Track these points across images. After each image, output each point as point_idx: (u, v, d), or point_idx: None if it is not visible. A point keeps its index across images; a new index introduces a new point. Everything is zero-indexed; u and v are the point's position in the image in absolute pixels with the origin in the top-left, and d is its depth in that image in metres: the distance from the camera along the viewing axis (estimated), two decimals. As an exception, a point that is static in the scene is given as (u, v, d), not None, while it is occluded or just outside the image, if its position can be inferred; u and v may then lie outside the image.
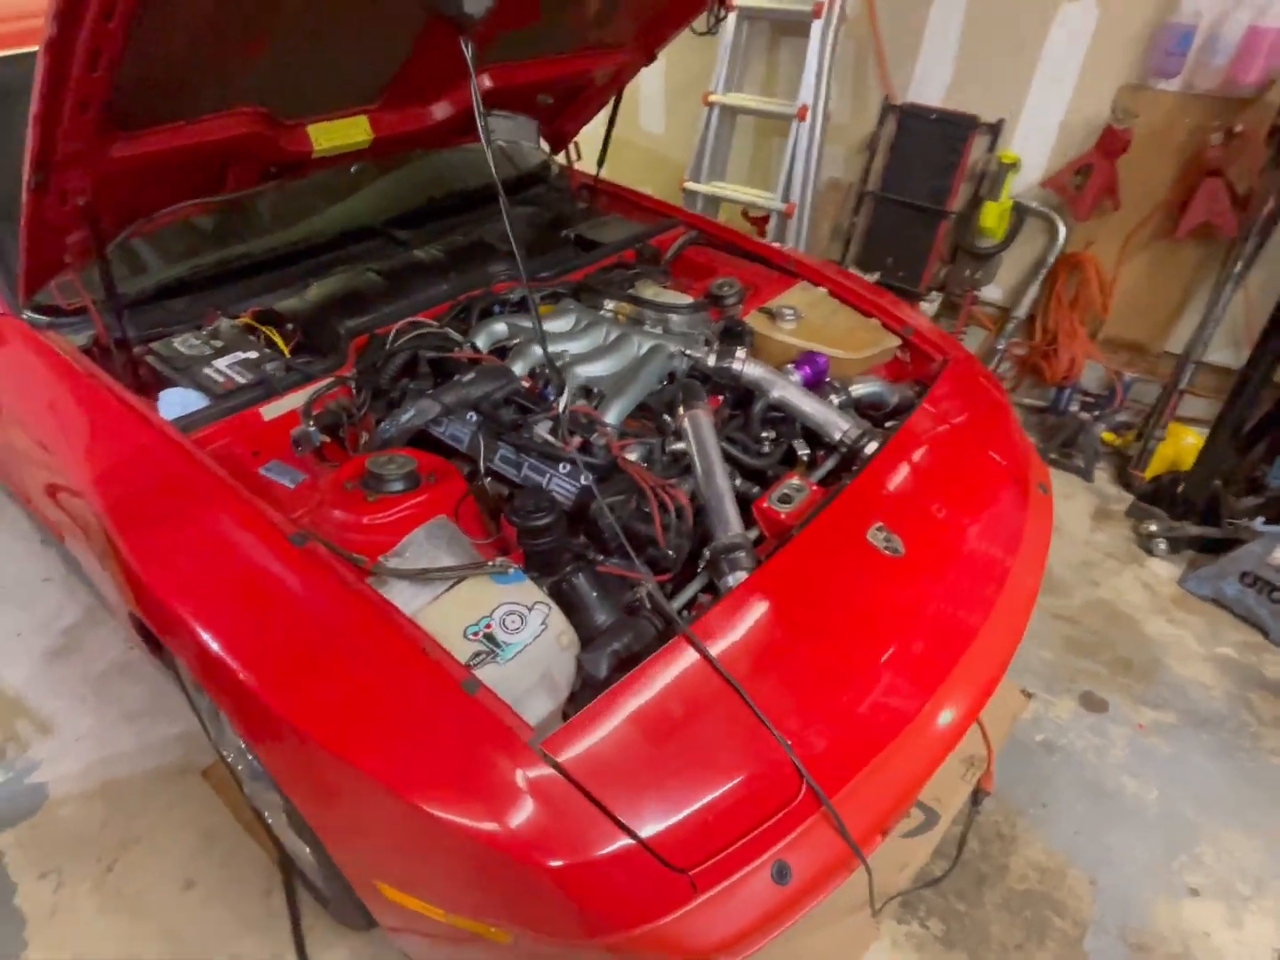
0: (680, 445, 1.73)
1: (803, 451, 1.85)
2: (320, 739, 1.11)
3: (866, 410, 2.03)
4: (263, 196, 2.06)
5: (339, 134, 1.76)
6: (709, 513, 1.55)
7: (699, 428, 1.69)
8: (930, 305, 3.64)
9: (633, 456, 1.68)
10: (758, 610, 1.37)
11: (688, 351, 1.91)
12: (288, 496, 1.46)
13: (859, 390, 1.99)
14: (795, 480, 1.65)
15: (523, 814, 1.06)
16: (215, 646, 1.19)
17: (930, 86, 3.42)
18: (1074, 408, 3.34)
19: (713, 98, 3.49)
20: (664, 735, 1.18)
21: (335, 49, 1.58)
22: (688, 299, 2.10)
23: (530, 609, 1.31)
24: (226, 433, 1.56)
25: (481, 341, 1.90)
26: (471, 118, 2.00)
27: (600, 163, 2.58)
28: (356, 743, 1.11)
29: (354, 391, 1.74)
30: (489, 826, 1.05)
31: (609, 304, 2.07)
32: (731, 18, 3.39)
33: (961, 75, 3.35)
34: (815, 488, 1.64)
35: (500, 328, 1.93)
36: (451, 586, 1.33)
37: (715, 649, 1.28)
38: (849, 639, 1.38)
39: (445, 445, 1.68)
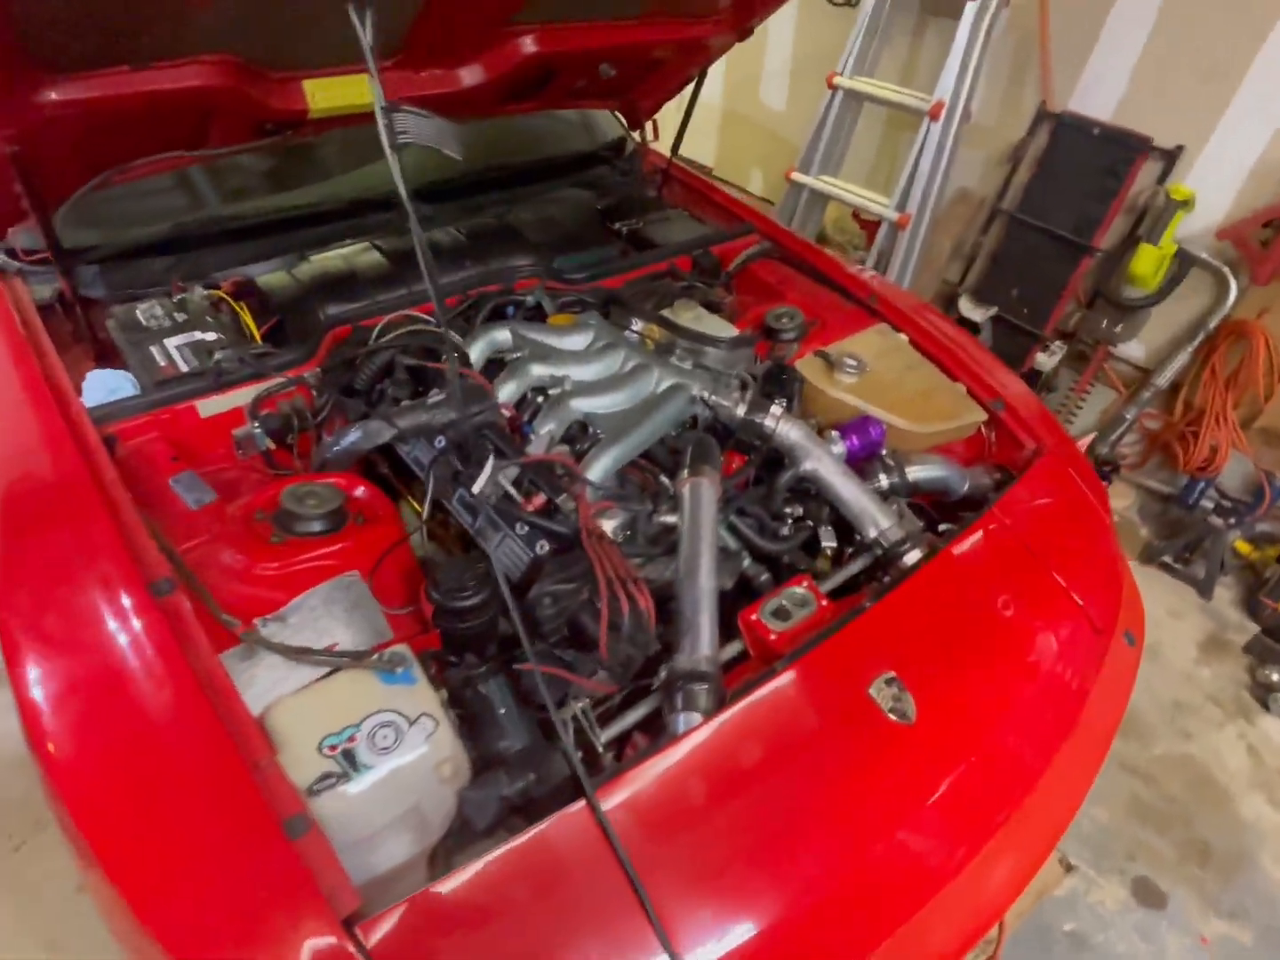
0: (672, 518, 1.43)
1: (828, 543, 1.51)
2: (101, 860, 0.90)
3: (925, 497, 1.66)
4: (271, 150, 1.83)
5: (341, 93, 1.51)
6: (679, 618, 1.25)
7: (698, 503, 1.38)
8: (1052, 356, 3.12)
9: (610, 524, 1.39)
10: (704, 772, 1.07)
11: (712, 397, 1.59)
12: (185, 520, 1.25)
13: (918, 472, 1.62)
14: (800, 589, 1.32)
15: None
16: (26, 706, 0.99)
17: (1098, 97, 2.87)
18: (1206, 505, 2.78)
19: (837, 80, 3.05)
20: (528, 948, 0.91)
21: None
22: (731, 330, 1.77)
23: (413, 722, 1.06)
24: (151, 428, 1.36)
25: (478, 349, 1.63)
26: (514, 83, 1.76)
27: (675, 148, 2.24)
28: (134, 876, 0.89)
29: (314, 392, 1.52)
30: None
31: (637, 323, 1.76)
32: (873, -11, 2.93)
33: (1138, 89, 2.79)
34: (824, 603, 1.31)
35: (503, 336, 1.65)
36: (327, 675, 1.09)
37: (629, 824, 0.99)
38: (821, 830, 1.06)
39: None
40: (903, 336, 1.88)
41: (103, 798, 0.92)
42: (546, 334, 1.68)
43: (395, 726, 1.05)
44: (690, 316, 1.79)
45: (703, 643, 1.21)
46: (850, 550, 1.51)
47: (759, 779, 1.08)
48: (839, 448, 1.58)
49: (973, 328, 3.22)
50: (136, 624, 1.02)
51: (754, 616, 1.28)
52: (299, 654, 1.08)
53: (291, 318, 1.61)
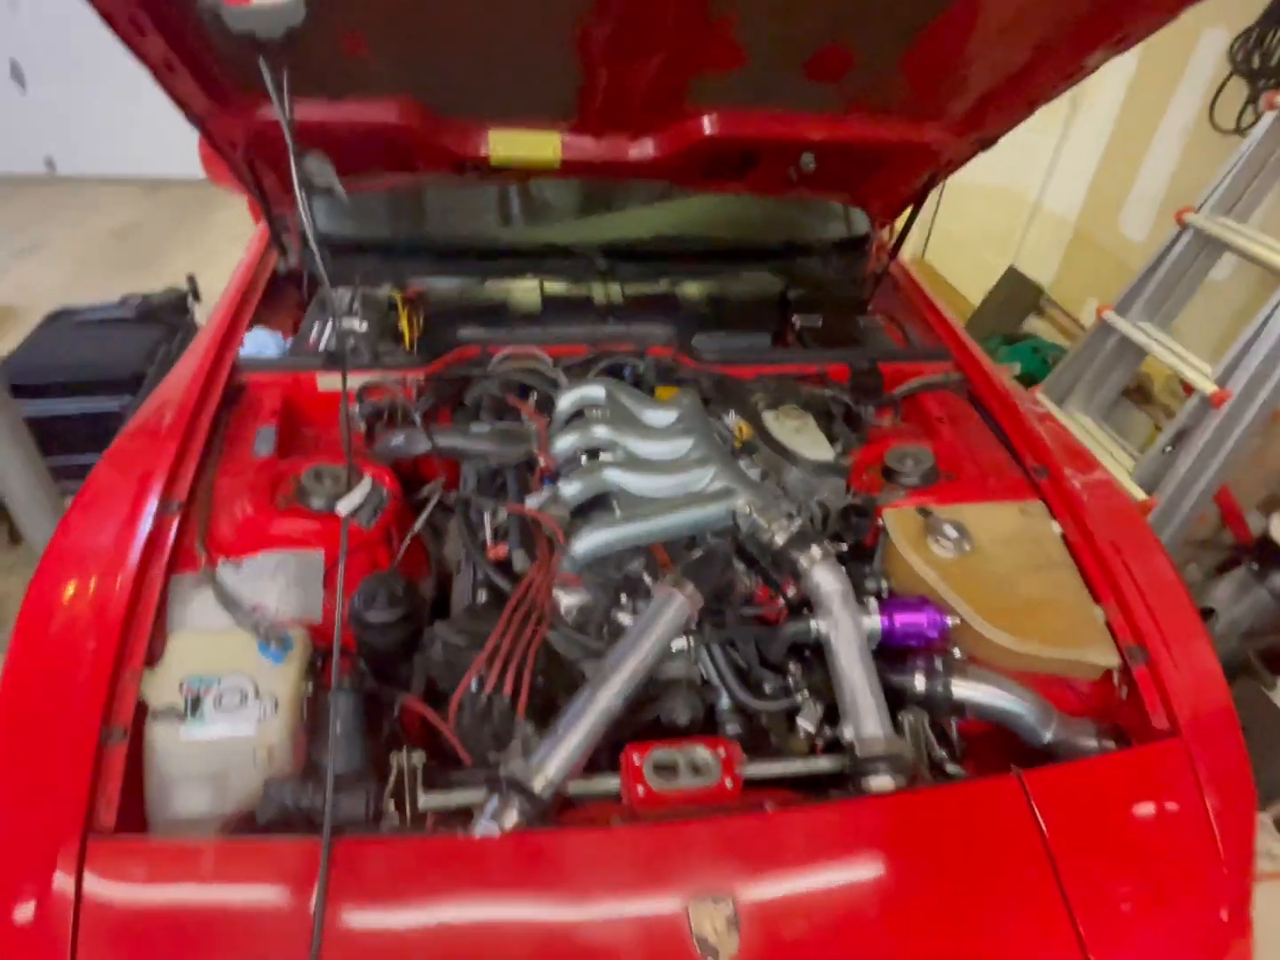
0: (628, 620, 1.32)
1: (805, 723, 1.26)
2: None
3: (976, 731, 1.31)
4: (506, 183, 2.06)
5: (523, 146, 1.67)
6: (554, 724, 1.15)
7: (656, 615, 1.25)
8: None
9: (569, 600, 1.34)
10: (455, 885, 0.98)
11: (752, 515, 1.42)
12: (242, 460, 1.48)
13: (973, 692, 1.28)
14: (706, 753, 1.13)
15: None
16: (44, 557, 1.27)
17: None
18: None
19: (1190, 216, 2.48)
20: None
21: (508, 54, 1.46)
22: (825, 452, 1.57)
23: (258, 697, 1.14)
24: (276, 385, 1.64)
25: (570, 398, 1.67)
26: (705, 162, 1.77)
27: (893, 252, 2.04)
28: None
29: (415, 394, 1.69)
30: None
31: (731, 417, 1.65)
32: (1269, 116, 2.34)
33: None
34: (730, 783, 1.10)
35: (596, 392, 1.67)
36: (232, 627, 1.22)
37: (352, 887, 0.95)
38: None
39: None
40: (1055, 527, 1.49)
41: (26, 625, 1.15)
42: (637, 401, 1.66)
43: (244, 694, 1.14)
44: (791, 426, 1.62)
45: (554, 759, 1.09)
46: (820, 744, 1.25)
47: (499, 927, 0.95)
48: (871, 621, 1.31)
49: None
50: (140, 526, 1.26)
51: (635, 758, 1.13)
52: (222, 600, 1.23)
53: (437, 328, 1.81)
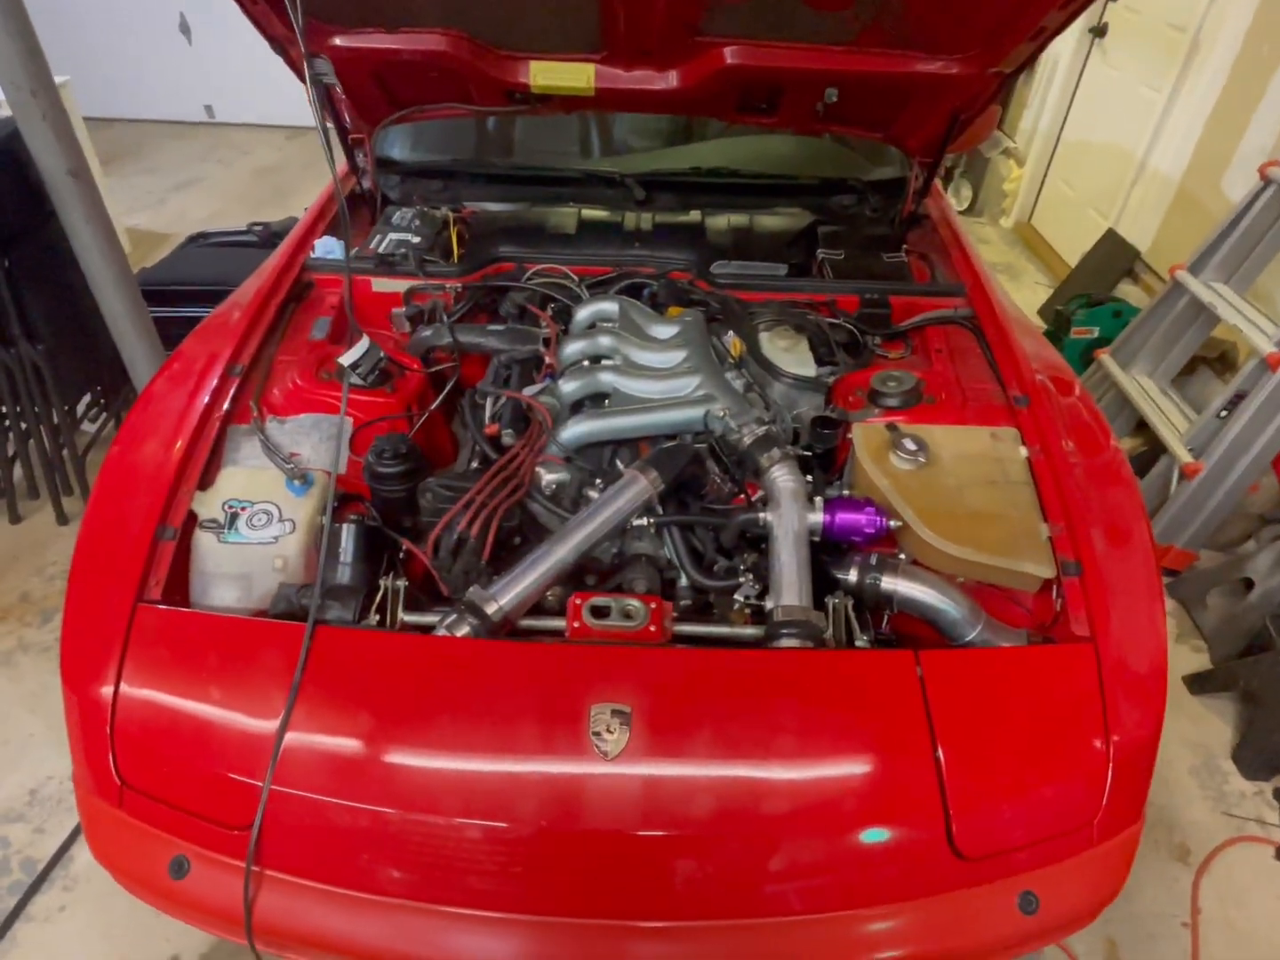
0: (594, 494, 1.50)
1: (741, 595, 1.40)
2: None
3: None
4: (569, 116, 2.22)
5: (559, 75, 1.82)
6: (516, 563, 1.35)
7: (619, 492, 1.43)
8: None
9: (550, 477, 1.53)
10: (408, 674, 1.20)
11: (724, 417, 1.56)
12: (299, 341, 1.74)
13: (904, 588, 1.38)
14: (637, 603, 1.30)
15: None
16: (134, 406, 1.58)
17: None
18: None
19: (1273, 170, 2.33)
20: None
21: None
22: (808, 370, 1.67)
23: (280, 520, 1.40)
24: (338, 284, 1.90)
25: (586, 311, 1.85)
26: (733, 94, 1.88)
27: (922, 191, 2.06)
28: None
29: (454, 299, 1.91)
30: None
31: (730, 335, 1.77)
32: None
33: None
34: (654, 628, 1.27)
35: (610, 307, 1.84)
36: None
37: (321, 670, 1.19)
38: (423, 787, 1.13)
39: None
40: (1023, 451, 1.54)
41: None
42: (645, 317, 1.81)
43: (270, 516, 1.40)
44: (782, 345, 1.73)
45: (507, 591, 1.29)
46: (746, 612, 1.39)
47: (427, 709, 1.16)
48: (814, 516, 1.43)
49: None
50: (207, 384, 1.54)
51: (577, 601, 1.31)
52: (265, 447, 1.49)
53: (482, 245, 2.02)
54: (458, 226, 2.07)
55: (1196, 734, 2.14)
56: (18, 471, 2.60)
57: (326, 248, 1.92)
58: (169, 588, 1.33)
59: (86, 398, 2.78)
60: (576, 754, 1.11)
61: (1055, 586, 1.38)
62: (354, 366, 1.49)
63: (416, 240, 1.99)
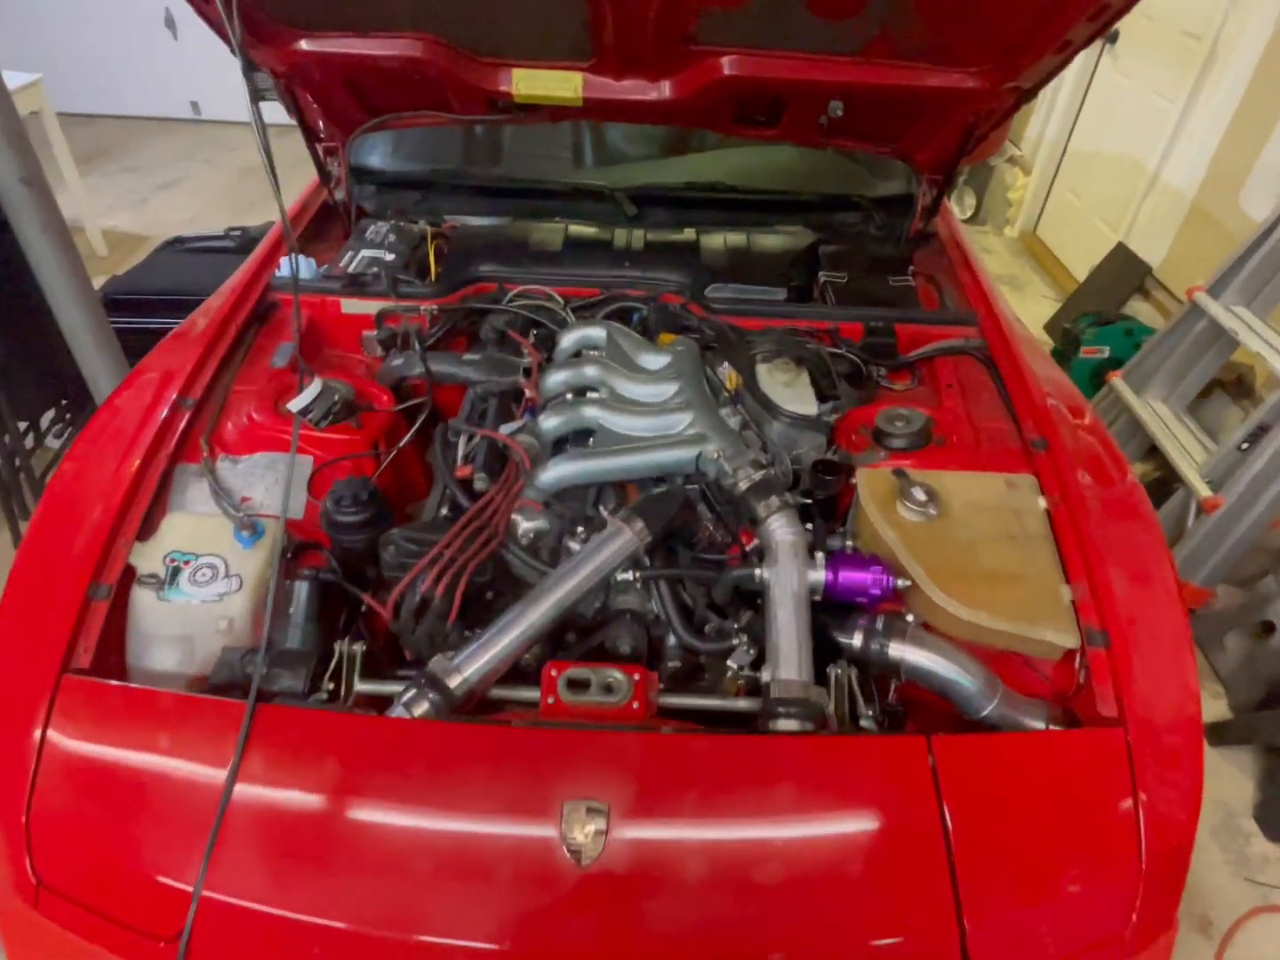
0: (576, 546, 1.37)
1: (735, 663, 1.28)
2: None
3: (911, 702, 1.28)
4: (549, 125, 2.09)
5: (544, 84, 1.69)
6: (484, 629, 1.22)
7: (601, 545, 1.30)
8: None
9: (526, 525, 1.40)
10: (354, 761, 1.07)
11: (719, 459, 1.43)
12: (258, 369, 1.61)
13: (913, 655, 1.25)
14: (620, 676, 1.17)
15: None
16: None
17: None
18: None
19: (1301, 189, 2.22)
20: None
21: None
22: (809, 407, 1.54)
23: (226, 576, 1.27)
24: (304, 304, 1.77)
25: (571, 338, 1.72)
26: (732, 105, 1.75)
27: (931, 211, 1.94)
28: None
29: (428, 323, 1.78)
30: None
31: (725, 367, 1.65)
32: None
33: None
34: (637, 705, 1.15)
35: (597, 333, 1.71)
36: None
37: (260, 757, 1.06)
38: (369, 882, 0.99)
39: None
40: (1041, 502, 1.42)
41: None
42: (634, 345, 1.69)
43: (215, 571, 1.27)
44: (782, 380, 1.60)
45: (473, 661, 1.17)
46: (743, 684, 1.26)
47: (377, 808, 1.03)
48: (815, 574, 1.30)
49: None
50: (154, 418, 1.41)
51: (553, 672, 1.19)
52: (214, 490, 1.36)
53: (461, 263, 1.88)
54: (436, 242, 1.94)
55: (1215, 789, 2.03)
56: (-27, 492, 2.47)
57: (292, 265, 1.78)
58: (101, 651, 1.20)
59: (51, 412, 2.64)
60: (546, 861, 0.98)
61: (1079, 655, 1.26)
62: (304, 412, 1.36)
63: (390, 258, 1.86)
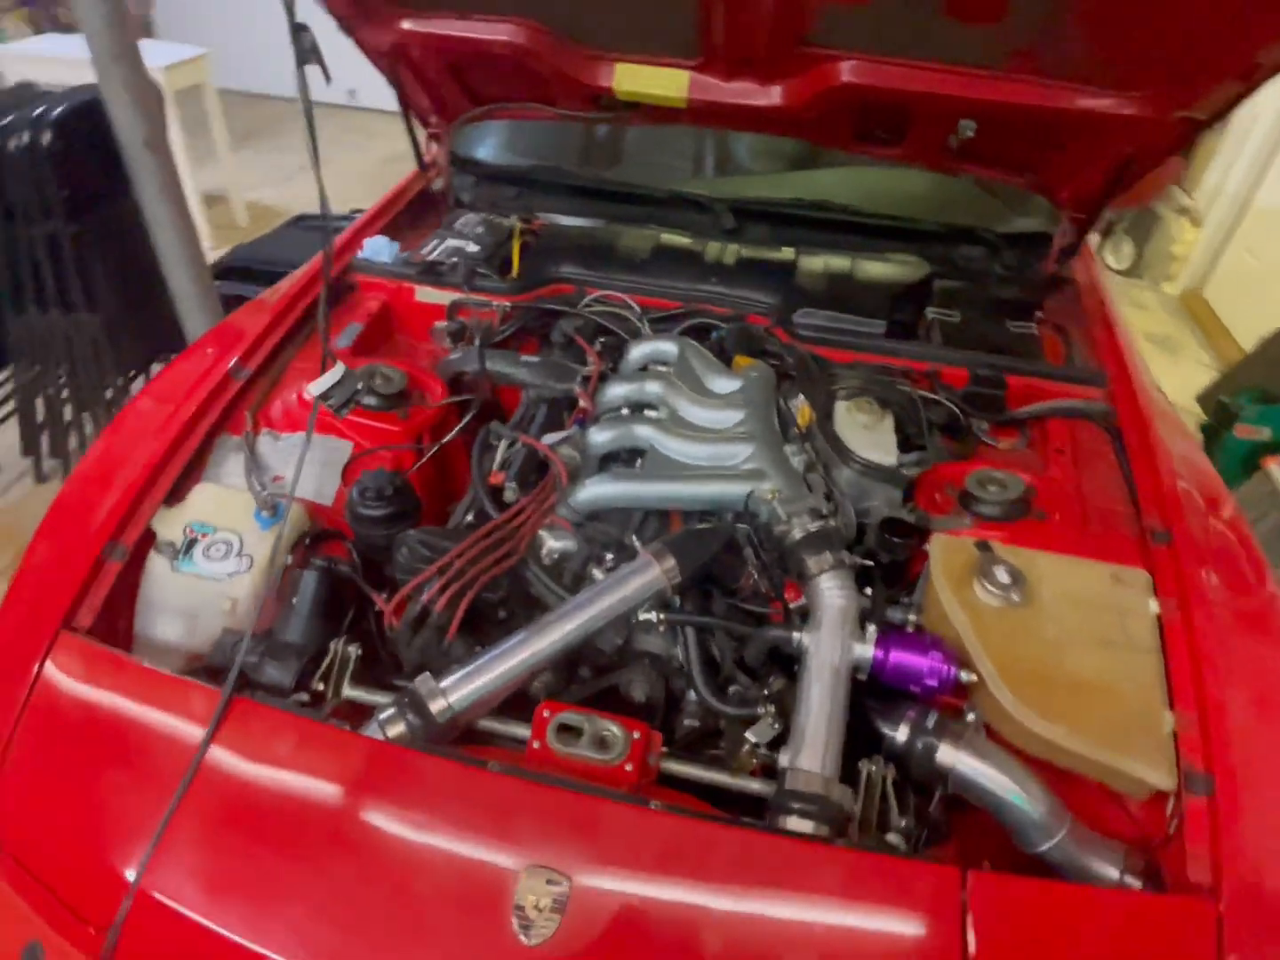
0: (599, 575, 1.26)
1: (756, 738, 1.12)
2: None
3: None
4: (675, 131, 1.98)
5: (647, 81, 1.59)
6: (478, 654, 1.12)
7: (621, 580, 1.18)
8: None
9: (552, 544, 1.30)
10: (321, 773, 0.99)
11: (781, 504, 1.27)
12: (319, 349, 1.58)
13: (964, 764, 1.06)
14: (619, 731, 1.05)
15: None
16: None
17: None
18: None
19: None
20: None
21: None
22: (887, 457, 1.37)
23: (239, 555, 1.23)
24: (381, 289, 1.74)
25: (641, 351, 1.62)
26: (851, 118, 1.61)
27: (1067, 253, 1.70)
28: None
29: (499, 319, 1.71)
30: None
31: (799, 400, 1.49)
32: None
33: None
34: (630, 768, 1.02)
35: (669, 349, 1.59)
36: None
37: (230, 746, 1.00)
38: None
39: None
40: (1153, 605, 1.19)
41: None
42: (706, 365, 1.56)
43: (229, 548, 1.23)
44: (862, 421, 1.43)
45: (460, 689, 1.07)
46: (756, 764, 1.11)
47: (325, 836, 0.95)
48: (863, 649, 1.13)
49: None
50: (205, 382, 1.40)
51: (545, 713, 1.07)
52: (247, 465, 1.33)
53: (540, 261, 1.81)
54: (524, 239, 1.87)
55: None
56: (74, 441, 2.61)
57: (376, 248, 1.77)
58: (112, 612, 1.18)
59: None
60: (490, 934, 0.87)
61: (1172, 800, 1.03)
62: (324, 397, 1.31)
63: (473, 249, 1.80)
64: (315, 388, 1.32)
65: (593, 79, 1.61)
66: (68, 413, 2.46)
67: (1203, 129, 1.38)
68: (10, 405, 2.43)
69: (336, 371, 1.33)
